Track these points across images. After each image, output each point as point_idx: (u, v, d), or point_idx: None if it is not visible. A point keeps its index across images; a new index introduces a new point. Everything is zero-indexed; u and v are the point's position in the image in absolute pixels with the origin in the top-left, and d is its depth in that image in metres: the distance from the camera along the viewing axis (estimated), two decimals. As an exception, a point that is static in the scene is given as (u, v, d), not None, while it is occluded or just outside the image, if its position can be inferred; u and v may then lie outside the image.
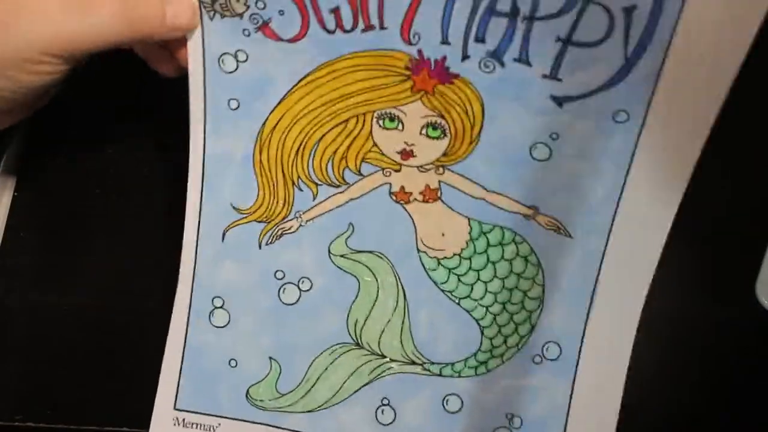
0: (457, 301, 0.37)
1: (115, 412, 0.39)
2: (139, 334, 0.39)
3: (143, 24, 0.33)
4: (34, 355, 0.40)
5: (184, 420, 0.37)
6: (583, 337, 0.36)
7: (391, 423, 0.37)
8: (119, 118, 0.42)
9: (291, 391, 0.37)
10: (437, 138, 0.35)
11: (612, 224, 0.35)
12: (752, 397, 0.39)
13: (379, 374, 0.37)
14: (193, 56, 0.35)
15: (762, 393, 0.39)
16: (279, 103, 0.35)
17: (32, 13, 0.32)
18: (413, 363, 0.37)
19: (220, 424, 0.37)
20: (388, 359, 0.37)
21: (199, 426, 0.37)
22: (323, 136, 0.36)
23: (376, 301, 0.37)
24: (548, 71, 0.33)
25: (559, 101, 0.34)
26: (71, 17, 0.32)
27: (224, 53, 0.35)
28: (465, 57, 0.34)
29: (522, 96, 0.34)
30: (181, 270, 0.37)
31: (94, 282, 0.41)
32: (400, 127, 0.35)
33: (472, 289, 0.36)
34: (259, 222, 0.37)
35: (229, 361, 0.37)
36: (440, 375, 0.37)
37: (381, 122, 0.35)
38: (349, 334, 0.37)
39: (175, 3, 0.33)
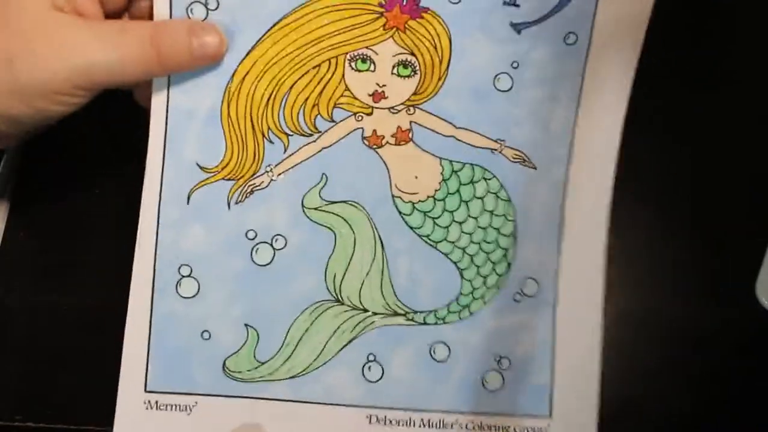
0: (434, 245, 0.36)
1: (115, 412, 0.38)
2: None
3: (170, 58, 0.33)
4: (34, 355, 0.40)
5: (156, 402, 0.35)
6: (557, 270, 0.36)
7: (379, 379, 0.36)
8: (120, 118, 0.42)
9: (271, 359, 0.35)
10: (408, 76, 0.36)
11: (570, 152, 0.36)
12: (752, 397, 0.39)
13: (362, 330, 0.36)
14: (160, 4, 0.34)
15: (762, 393, 0.39)
16: (249, 52, 0.35)
17: (65, 47, 0.32)
18: (396, 314, 0.36)
19: (197, 403, 0.35)
20: (370, 313, 0.36)
21: (173, 407, 0.35)
22: (294, 83, 0.35)
23: (353, 253, 0.36)
24: None
25: (518, 28, 0.36)
26: (103, 52, 0.33)
27: (194, 1, 0.34)
28: None
29: (485, 25, 0.35)
30: (138, 239, 0.35)
31: (94, 282, 0.41)
32: (372, 68, 0.35)
33: (447, 231, 0.36)
34: (227, 180, 0.36)
35: (202, 334, 0.35)
36: (424, 323, 0.36)
37: (353, 64, 0.35)
38: (328, 291, 0.36)
39: (201, 34, 0.34)
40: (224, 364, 0.35)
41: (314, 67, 0.35)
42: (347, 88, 0.36)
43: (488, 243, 0.36)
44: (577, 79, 0.36)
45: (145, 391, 0.35)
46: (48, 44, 0.32)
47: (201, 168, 0.36)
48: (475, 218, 0.36)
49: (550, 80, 0.36)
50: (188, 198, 0.35)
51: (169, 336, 0.35)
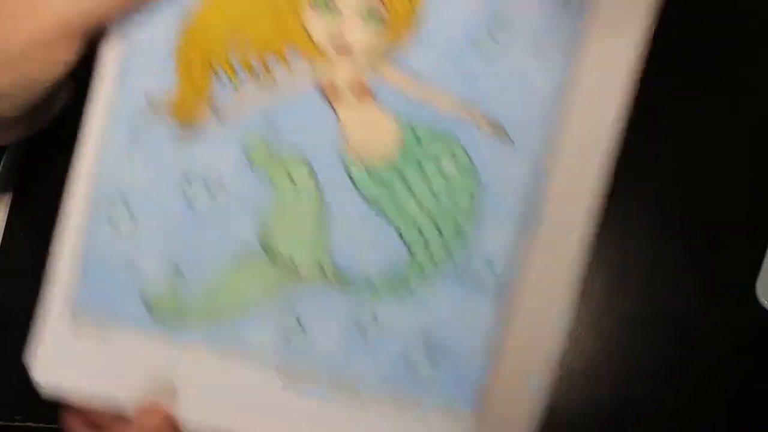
0: (382, 213, 0.33)
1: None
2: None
3: None
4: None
5: (78, 330, 0.35)
6: (521, 259, 0.33)
7: (298, 341, 0.34)
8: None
9: (193, 301, 0.34)
10: (374, 26, 0.33)
11: (558, 128, 0.32)
12: (751, 397, 0.39)
13: (289, 290, 0.34)
14: None
15: (761, 394, 0.39)
16: None
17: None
18: (328, 280, 0.34)
19: (117, 334, 0.34)
20: (301, 274, 0.34)
21: (94, 336, 0.34)
22: (251, 23, 0.33)
23: (292, 210, 0.34)
24: None
25: None
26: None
27: None
28: None
29: None
30: (78, 167, 0.34)
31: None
32: (334, 12, 0.33)
33: (400, 200, 0.33)
34: (174, 118, 0.34)
35: (129, 267, 0.34)
36: (357, 294, 0.34)
37: (314, 6, 0.33)
38: (261, 244, 0.34)
39: None
40: (148, 300, 0.35)
41: (272, 6, 0.33)
42: (306, 32, 0.33)
43: (445, 219, 0.33)
44: (572, 40, 0.32)
45: (69, 317, 0.35)
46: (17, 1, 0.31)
47: (150, 103, 0.34)
48: (434, 191, 0.33)
49: (538, 39, 0.32)
50: (133, 132, 0.34)
51: (97, 265, 0.35)
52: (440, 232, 0.33)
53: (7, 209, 0.42)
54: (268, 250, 0.34)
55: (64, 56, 0.32)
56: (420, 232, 0.33)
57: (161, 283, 0.34)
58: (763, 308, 0.38)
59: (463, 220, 0.33)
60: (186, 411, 0.34)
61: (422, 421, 0.33)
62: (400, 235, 0.34)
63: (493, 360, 0.33)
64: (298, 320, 0.34)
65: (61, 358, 0.35)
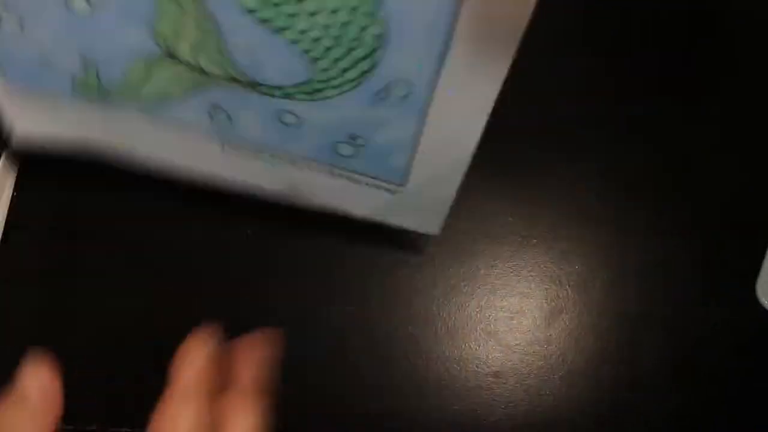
0: (277, 31, 0.30)
1: (116, 412, 0.39)
2: (139, 334, 0.39)
3: None
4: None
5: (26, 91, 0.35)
6: (437, 78, 0.31)
7: (226, 127, 0.34)
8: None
9: (116, 88, 0.34)
10: None
11: None
12: (751, 397, 0.39)
13: (204, 83, 0.33)
14: None
15: (761, 394, 0.39)
16: None
17: None
18: (239, 81, 0.33)
19: (57, 106, 0.35)
20: (211, 76, 0.33)
21: (42, 99, 0.35)
22: None
23: (180, 22, 0.31)
24: None
25: None
26: None
27: None
28: None
29: None
30: None
31: (95, 282, 0.41)
32: None
33: (294, 19, 0.29)
34: None
35: (42, 61, 0.34)
36: (272, 96, 0.33)
37: None
38: (160, 47, 0.32)
39: None
40: (74, 83, 0.34)
41: None
42: None
43: (350, 39, 0.30)
44: None
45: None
46: None
47: None
48: (332, 9, 0.29)
49: None
50: None
51: (12, 62, 0.34)
52: (348, 51, 0.31)
53: (7, 208, 0.42)
54: (171, 53, 0.32)
55: None
56: (324, 48, 0.31)
57: (79, 71, 0.34)
58: (763, 308, 0.38)
59: (370, 40, 0.30)
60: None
61: (354, 181, 0.36)
62: (302, 50, 0.31)
63: (414, 147, 0.34)
64: (220, 108, 0.34)
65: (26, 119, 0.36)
